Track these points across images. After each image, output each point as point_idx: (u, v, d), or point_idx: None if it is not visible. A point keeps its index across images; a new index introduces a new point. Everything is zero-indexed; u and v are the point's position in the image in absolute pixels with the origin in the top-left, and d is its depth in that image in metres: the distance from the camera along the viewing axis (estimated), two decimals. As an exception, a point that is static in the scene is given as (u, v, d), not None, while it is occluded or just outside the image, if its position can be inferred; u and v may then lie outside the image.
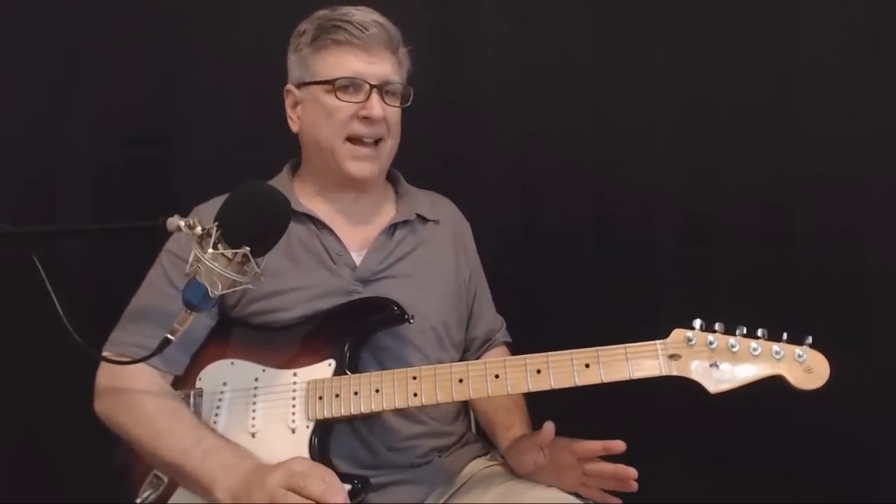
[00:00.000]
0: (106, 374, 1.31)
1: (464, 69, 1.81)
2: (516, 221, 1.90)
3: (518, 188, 1.91)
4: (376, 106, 1.34)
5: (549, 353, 1.20)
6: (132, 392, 1.27)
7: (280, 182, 1.43)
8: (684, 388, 1.18)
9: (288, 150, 1.48)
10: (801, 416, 1.74)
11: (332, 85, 1.35)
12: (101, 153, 1.85)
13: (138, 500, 1.26)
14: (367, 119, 1.35)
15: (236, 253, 1.12)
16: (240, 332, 1.35)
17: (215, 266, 1.11)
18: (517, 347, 1.55)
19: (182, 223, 1.13)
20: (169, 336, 1.14)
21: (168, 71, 1.88)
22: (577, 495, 1.26)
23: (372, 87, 1.35)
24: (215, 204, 1.21)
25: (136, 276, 1.39)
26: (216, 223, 1.12)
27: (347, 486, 1.20)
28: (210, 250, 1.11)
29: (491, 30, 1.91)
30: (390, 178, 1.52)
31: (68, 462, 1.75)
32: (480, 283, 1.56)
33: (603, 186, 1.90)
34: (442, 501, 1.34)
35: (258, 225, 1.16)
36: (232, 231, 1.12)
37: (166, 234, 1.16)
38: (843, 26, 1.83)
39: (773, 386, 1.26)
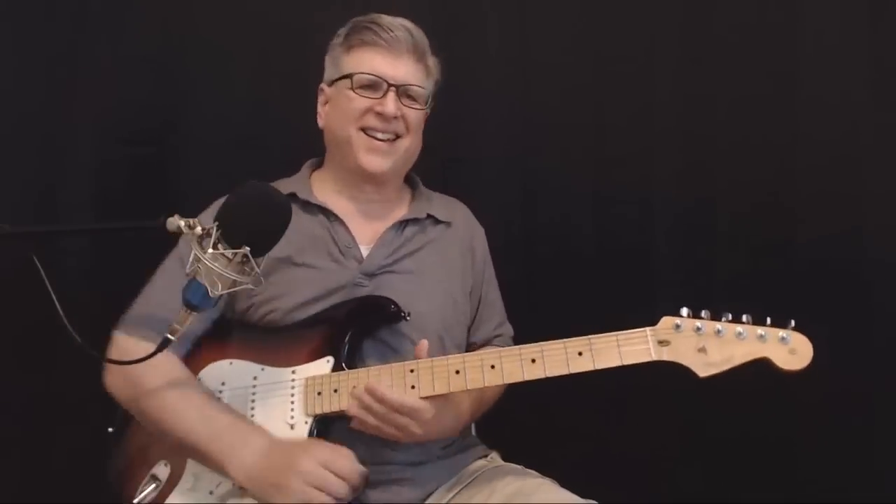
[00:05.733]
0: (117, 352, 1.30)
1: (464, 69, 1.81)
2: (516, 221, 1.90)
3: (518, 188, 1.91)
4: (390, 104, 1.39)
5: (543, 342, 1.23)
6: (140, 369, 1.24)
7: (299, 177, 1.49)
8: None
9: (288, 149, 1.48)
10: (801, 407, 1.75)
11: (351, 80, 1.40)
12: (101, 153, 1.85)
13: (136, 500, 1.26)
14: (380, 115, 1.39)
15: (236, 253, 1.13)
16: (239, 332, 1.36)
17: (215, 266, 1.12)
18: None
19: (182, 223, 1.13)
20: (169, 336, 1.15)
21: (168, 71, 1.87)
22: (582, 496, 1.24)
23: (390, 86, 1.39)
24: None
25: (137, 276, 1.39)
26: (216, 223, 1.13)
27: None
28: (210, 250, 1.12)
29: (491, 29, 1.91)
30: (409, 181, 1.55)
31: (68, 462, 1.74)
32: (490, 290, 1.55)
33: (603, 186, 1.90)
34: (446, 501, 1.34)
35: (258, 225, 1.17)
36: (232, 231, 1.13)
37: (166, 234, 1.16)
38: (843, 23, 1.83)
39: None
